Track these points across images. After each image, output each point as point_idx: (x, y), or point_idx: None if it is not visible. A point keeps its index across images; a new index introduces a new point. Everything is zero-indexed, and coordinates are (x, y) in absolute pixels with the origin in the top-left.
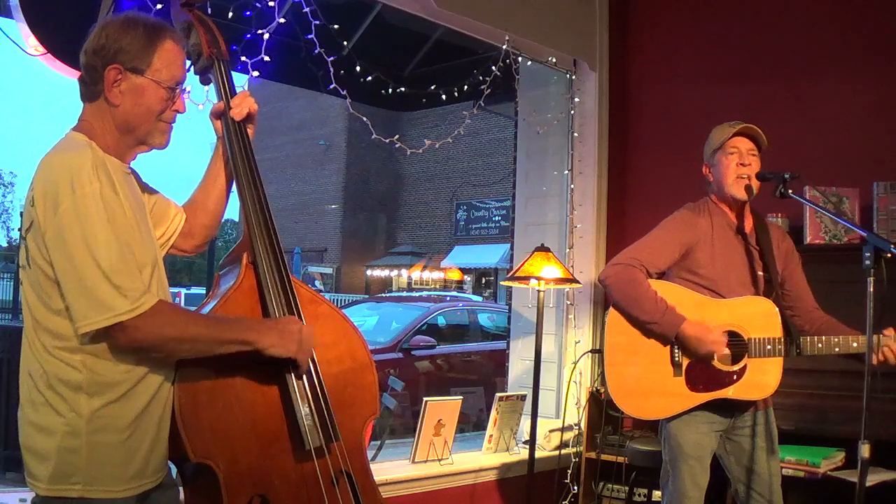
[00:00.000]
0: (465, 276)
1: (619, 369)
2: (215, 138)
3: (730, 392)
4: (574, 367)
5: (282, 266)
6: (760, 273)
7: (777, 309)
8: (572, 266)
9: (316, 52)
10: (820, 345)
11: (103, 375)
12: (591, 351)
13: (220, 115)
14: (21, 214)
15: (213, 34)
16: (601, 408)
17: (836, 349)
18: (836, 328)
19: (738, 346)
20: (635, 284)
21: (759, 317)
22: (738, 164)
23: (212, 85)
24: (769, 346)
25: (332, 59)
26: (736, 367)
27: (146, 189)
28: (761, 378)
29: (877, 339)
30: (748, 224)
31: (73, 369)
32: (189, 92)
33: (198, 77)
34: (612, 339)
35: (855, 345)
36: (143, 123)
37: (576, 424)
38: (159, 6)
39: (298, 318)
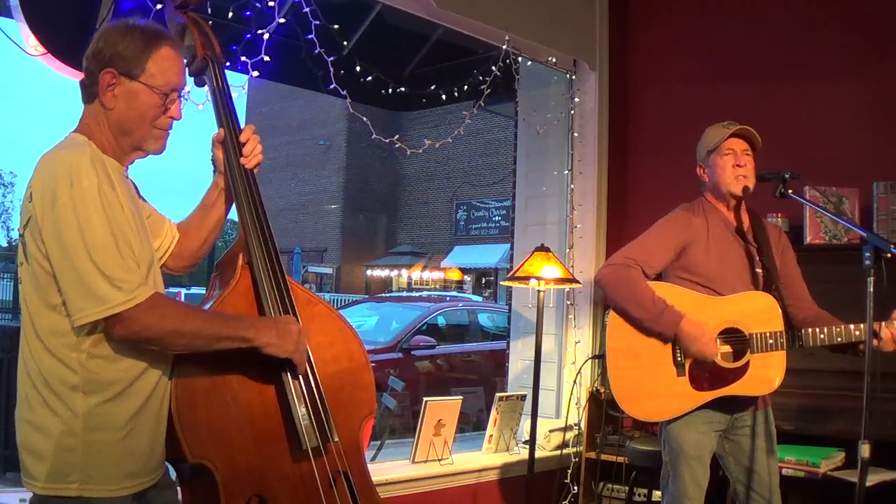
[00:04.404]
0: (465, 276)
1: (622, 373)
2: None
3: (734, 388)
4: (574, 368)
5: (277, 267)
6: (759, 270)
7: (777, 303)
8: (572, 266)
9: (316, 52)
10: (822, 335)
11: (99, 374)
12: (592, 357)
13: (221, 141)
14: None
15: (207, 36)
16: (601, 408)
17: (839, 339)
18: (833, 321)
19: (740, 341)
20: (632, 283)
21: (759, 311)
22: (734, 164)
23: (207, 87)
24: (771, 341)
25: (332, 59)
26: (739, 364)
27: (143, 200)
28: (765, 373)
29: (878, 327)
30: (745, 222)
31: (68, 368)
32: (189, 93)
33: (193, 79)
34: (613, 342)
35: (857, 333)
36: (138, 128)
37: (576, 424)
38: (159, 6)
39: (294, 318)
